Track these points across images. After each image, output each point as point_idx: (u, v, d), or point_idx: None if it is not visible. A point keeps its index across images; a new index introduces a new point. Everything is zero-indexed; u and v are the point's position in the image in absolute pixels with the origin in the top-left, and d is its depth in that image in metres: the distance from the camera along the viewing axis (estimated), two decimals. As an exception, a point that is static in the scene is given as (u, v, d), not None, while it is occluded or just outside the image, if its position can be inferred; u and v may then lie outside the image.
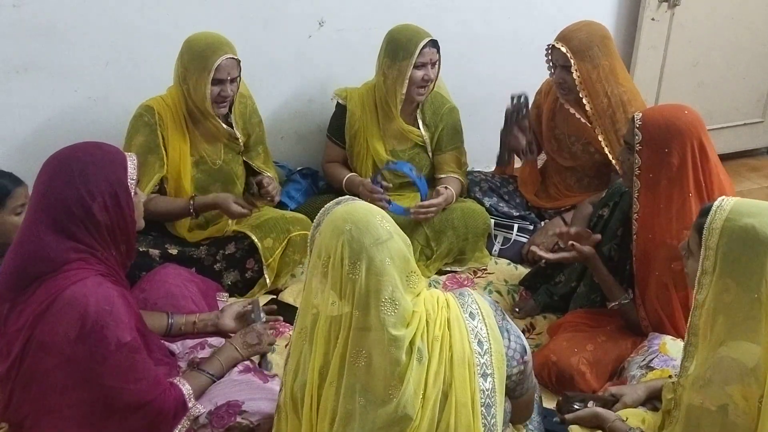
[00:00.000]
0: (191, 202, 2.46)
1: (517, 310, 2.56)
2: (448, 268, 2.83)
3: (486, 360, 1.40)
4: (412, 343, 1.35)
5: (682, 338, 1.96)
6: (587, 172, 2.93)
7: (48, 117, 2.71)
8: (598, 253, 2.25)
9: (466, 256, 2.84)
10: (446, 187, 2.77)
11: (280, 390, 1.53)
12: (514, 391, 1.53)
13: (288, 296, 2.62)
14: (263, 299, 2.55)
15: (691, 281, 1.55)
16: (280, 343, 2.37)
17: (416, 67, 2.66)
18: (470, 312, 1.44)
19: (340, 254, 1.34)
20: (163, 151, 2.46)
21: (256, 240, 2.54)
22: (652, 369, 1.94)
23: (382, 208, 2.62)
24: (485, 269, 2.84)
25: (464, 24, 3.30)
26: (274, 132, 3.04)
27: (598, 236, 2.26)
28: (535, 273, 2.67)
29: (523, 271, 2.79)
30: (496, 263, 2.87)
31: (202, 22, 2.62)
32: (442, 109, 2.86)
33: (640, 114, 2.05)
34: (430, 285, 2.69)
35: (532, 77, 2.97)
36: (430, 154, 2.90)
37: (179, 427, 1.71)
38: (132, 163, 1.68)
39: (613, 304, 2.23)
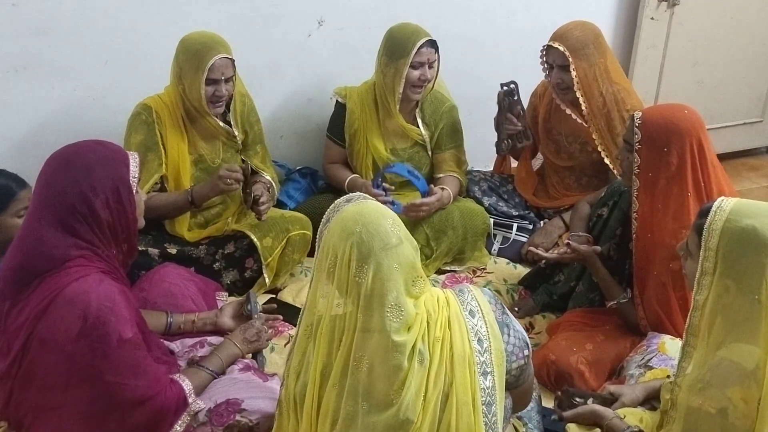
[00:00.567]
0: (189, 191, 2.45)
1: (516, 309, 2.56)
2: (448, 268, 2.84)
3: (486, 358, 1.40)
4: (413, 345, 1.34)
5: (681, 338, 1.97)
6: (585, 172, 2.93)
7: (47, 115, 2.71)
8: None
9: (465, 256, 2.85)
10: (442, 188, 2.77)
11: (282, 386, 1.52)
12: (513, 384, 1.52)
13: (287, 295, 2.62)
14: (262, 299, 2.55)
15: (690, 282, 1.55)
16: (279, 343, 2.38)
17: (413, 66, 2.65)
18: (470, 310, 1.43)
19: (348, 256, 1.32)
20: (162, 150, 2.46)
21: (255, 239, 2.54)
22: (650, 368, 1.94)
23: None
24: (484, 269, 2.84)
25: (464, 23, 3.30)
26: (273, 131, 3.04)
27: (599, 248, 2.26)
28: (535, 272, 2.67)
29: (522, 270, 2.80)
30: (496, 263, 2.87)
31: (201, 21, 2.62)
32: (441, 108, 2.86)
33: (640, 113, 2.05)
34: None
35: (532, 76, 2.97)
36: (429, 152, 2.90)
37: (179, 422, 1.70)
38: (134, 160, 1.68)
39: (612, 303, 2.23)
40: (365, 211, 1.37)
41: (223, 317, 2.13)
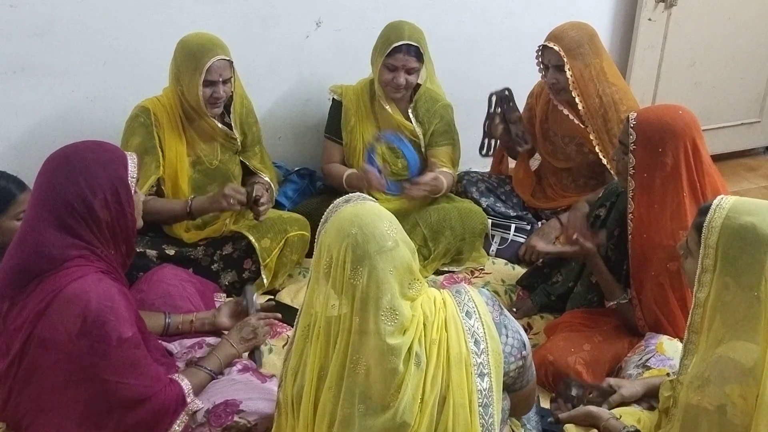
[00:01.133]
0: (189, 202, 2.46)
1: (514, 310, 2.56)
2: (446, 268, 2.84)
3: (483, 359, 1.39)
4: (410, 348, 1.34)
5: (679, 338, 1.97)
6: (583, 173, 2.93)
7: (45, 117, 2.71)
8: (596, 253, 2.26)
9: (463, 256, 2.85)
10: (439, 173, 2.76)
11: (280, 386, 1.52)
12: (513, 385, 1.51)
13: (285, 296, 2.63)
14: (261, 299, 2.55)
15: (690, 280, 1.55)
16: (277, 344, 2.38)
17: (387, 67, 2.66)
18: (467, 311, 1.42)
19: (343, 258, 1.32)
20: (160, 152, 2.45)
21: (253, 240, 2.55)
22: (648, 368, 1.94)
23: (380, 189, 2.64)
24: (482, 269, 2.85)
25: (462, 23, 3.30)
26: (271, 132, 3.04)
27: (602, 240, 2.26)
28: (533, 273, 2.68)
29: (520, 271, 2.80)
30: (494, 263, 2.88)
31: (199, 22, 2.62)
32: (435, 106, 2.86)
33: (635, 114, 2.06)
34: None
35: (530, 78, 2.97)
36: (423, 150, 2.90)
37: (177, 422, 1.70)
38: (132, 161, 1.69)
39: (612, 303, 2.23)
40: (362, 213, 1.36)
41: (221, 316, 2.13)
